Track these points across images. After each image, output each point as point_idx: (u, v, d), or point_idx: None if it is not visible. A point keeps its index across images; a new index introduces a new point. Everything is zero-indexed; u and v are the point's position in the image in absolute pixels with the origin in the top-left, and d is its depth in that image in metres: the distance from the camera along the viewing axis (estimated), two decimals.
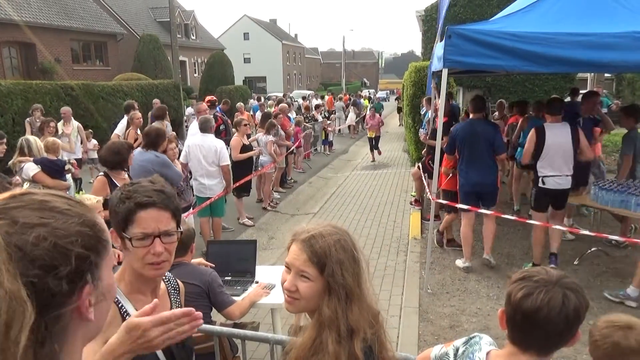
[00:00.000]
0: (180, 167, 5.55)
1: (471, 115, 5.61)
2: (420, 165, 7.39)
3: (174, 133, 10.12)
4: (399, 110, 25.31)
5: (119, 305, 1.46)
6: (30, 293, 0.64)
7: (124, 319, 1.40)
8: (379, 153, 14.64)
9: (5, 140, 5.68)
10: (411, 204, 8.55)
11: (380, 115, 23.05)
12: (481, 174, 5.35)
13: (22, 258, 0.65)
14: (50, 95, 13.06)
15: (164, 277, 1.68)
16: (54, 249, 0.68)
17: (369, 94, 40.07)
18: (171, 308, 1.61)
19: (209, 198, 6.14)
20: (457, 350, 1.59)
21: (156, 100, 12.10)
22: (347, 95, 26.46)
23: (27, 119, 9.47)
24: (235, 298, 3.09)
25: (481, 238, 5.78)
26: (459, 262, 5.68)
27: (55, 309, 0.69)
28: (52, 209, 0.72)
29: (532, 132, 5.21)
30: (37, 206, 0.71)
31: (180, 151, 6.13)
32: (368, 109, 20.49)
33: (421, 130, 8.48)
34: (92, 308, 0.74)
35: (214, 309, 2.97)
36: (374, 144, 14.41)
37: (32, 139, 5.92)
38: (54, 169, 5.66)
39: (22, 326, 0.63)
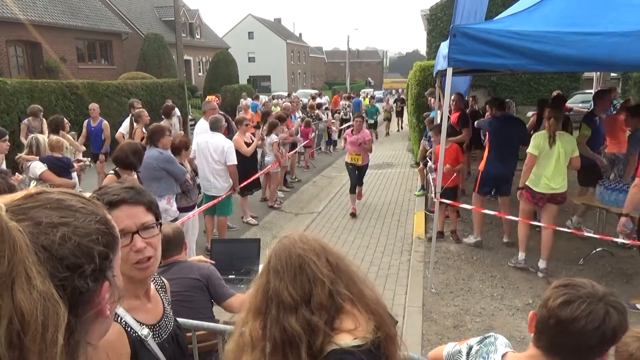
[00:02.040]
0: (189, 166, 5.58)
1: (497, 113, 6.40)
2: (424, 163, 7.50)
3: (182, 132, 10.11)
4: (398, 114, 22.43)
5: (119, 319, 1.40)
6: (61, 293, 0.64)
7: (127, 332, 1.38)
8: (359, 196, 8.39)
9: (7, 137, 5.70)
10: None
11: (376, 127, 19.13)
12: (507, 165, 6.12)
13: (49, 259, 0.65)
14: (55, 94, 13.11)
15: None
16: (78, 248, 0.68)
17: (373, 91, 38.80)
18: (163, 307, 1.60)
19: (214, 196, 6.20)
20: (471, 348, 1.57)
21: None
22: (352, 95, 26.35)
23: (25, 120, 8.86)
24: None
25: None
26: (469, 239, 6.17)
27: (83, 307, 0.69)
28: (69, 208, 0.72)
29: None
30: (55, 205, 0.70)
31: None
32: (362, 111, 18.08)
33: (424, 141, 8.54)
34: (109, 305, 0.75)
35: (216, 306, 2.97)
36: (356, 178, 8.03)
37: (42, 137, 5.95)
38: (60, 166, 5.69)
39: (58, 327, 0.63)
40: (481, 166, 6.25)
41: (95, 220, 0.73)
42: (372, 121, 19.06)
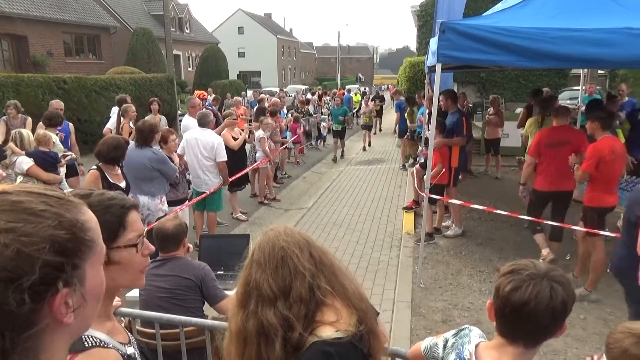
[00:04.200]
0: (178, 160, 5.54)
1: (452, 106, 6.69)
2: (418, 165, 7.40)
3: (172, 129, 10.04)
4: (377, 113, 18.50)
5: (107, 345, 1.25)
6: None
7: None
8: None
9: None
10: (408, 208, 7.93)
11: (343, 137, 13.22)
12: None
13: None
14: (42, 88, 12.94)
15: None
16: (17, 257, 0.62)
17: (358, 87, 36.02)
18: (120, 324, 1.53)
19: (205, 192, 6.16)
20: (447, 341, 1.61)
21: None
22: (342, 90, 26.34)
23: (3, 117, 8.05)
24: (227, 292, 3.09)
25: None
26: (455, 231, 6.53)
27: (23, 323, 0.63)
28: (24, 211, 0.66)
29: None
30: (7, 208, 0.65)
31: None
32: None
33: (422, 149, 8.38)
34: (72, 312, 0.69)
35: (206, 304, 2.97)
36: None
37: (25, 132, 5.86)
38: (47, 161, 5.61)
39: None
40: (455, 161, 6.41)
41: (51, 225, 0.66)
42: (337, 127, 13.24)
